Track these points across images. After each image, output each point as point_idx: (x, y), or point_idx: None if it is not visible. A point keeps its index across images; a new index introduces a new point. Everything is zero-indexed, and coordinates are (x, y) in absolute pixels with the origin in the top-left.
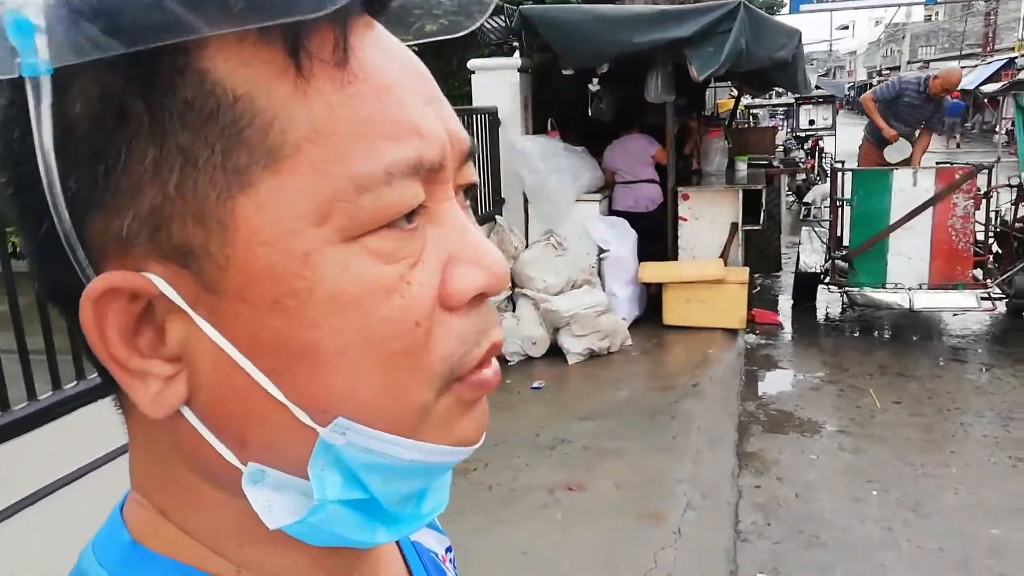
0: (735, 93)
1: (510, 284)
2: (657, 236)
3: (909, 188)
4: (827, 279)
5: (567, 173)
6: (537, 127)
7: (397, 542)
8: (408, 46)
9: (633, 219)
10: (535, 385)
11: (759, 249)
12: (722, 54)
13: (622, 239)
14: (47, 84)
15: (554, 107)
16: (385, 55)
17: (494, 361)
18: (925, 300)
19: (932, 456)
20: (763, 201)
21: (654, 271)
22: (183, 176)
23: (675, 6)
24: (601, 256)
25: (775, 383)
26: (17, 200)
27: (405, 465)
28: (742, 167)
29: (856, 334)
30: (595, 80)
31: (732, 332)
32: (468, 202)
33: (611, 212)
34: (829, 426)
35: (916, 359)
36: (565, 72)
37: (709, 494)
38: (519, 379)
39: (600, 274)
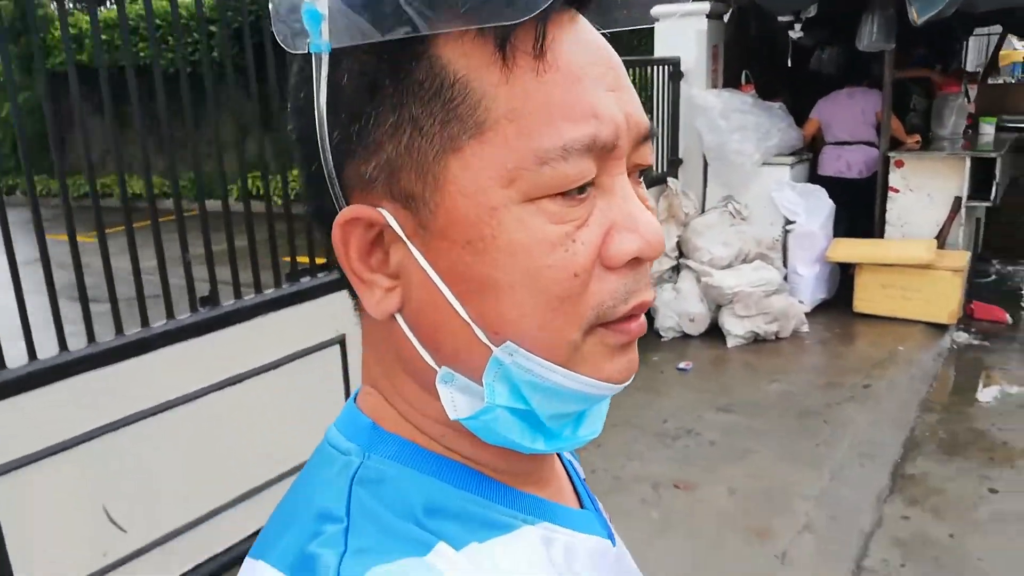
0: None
1: (677, 253)
2: (871, 208)
3: None
4: None
5: (753, 132)
6: (730, 80)
7: (561, 460)
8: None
9: (843, 186)
10: (681, 366)
11: (1007, 231)
12: None
13: (814, 210)
14: (326, 60)
15: (755, 58)
16: (580, 47)
17: (643, 318)
18: None
19: None
20: (996, 172)
21: (846, 249)
22: (411, 138)
23: None
24: (787, 228)
25: (975, 394)
26: (299, 145)
27: (561, 389)
28: (988, 130)
29: None
30: (797, 27)
31: (938, 327)
32: (642, 180)
33: (816, 177)
34: None
35: None
36: (771, 18)
37: (840, 517)
38: (668, 358)
39: (784, 248)
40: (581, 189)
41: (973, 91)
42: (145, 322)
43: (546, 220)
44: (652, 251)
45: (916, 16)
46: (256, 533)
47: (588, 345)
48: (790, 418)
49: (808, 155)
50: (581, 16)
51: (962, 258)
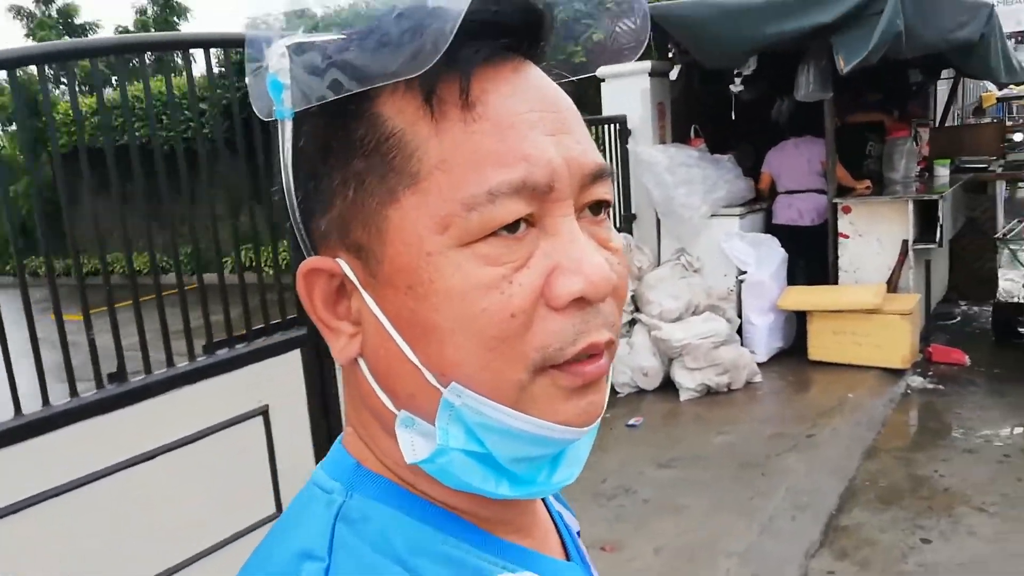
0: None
1: (632, 308)
2: (825, 255)
3: None
4: None
5: (700, 185)
6: (679, 135)
7: (548, 510)
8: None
9: (797, 234)
10: (631, 423)
11: (970, 270)
12: (872, 39)
13: (765, 260)
14: (289, 125)
15: (704, 113)
16: (517, 96)
17: (603, 360)
18: None
19: None
20: (940, 214)
21: (797, 297)
22: (356, 192)
23: None
24: (740, 279)
25: (923, 440)
26: (283, 205)
27: (512, 431)
28: (942, 172)
29: None
30: (737, 80)
31: (894, 372)
32: (604, 216)
33: (772, 226)
34: (970, 502)
35: None
36: (714, 74)
37: (762, 574)
38: (620, 414)
39: (739, 299)
40: (513, 228)
41: (926, 134)
42: (46, 400)
43: (482, 263)
44: (596, 291)
45: (843, 64)
46: None
47: (539, 387)
48: (730, 471)
49: (760, 205)
50: (530, 64)
51: (911, 301)
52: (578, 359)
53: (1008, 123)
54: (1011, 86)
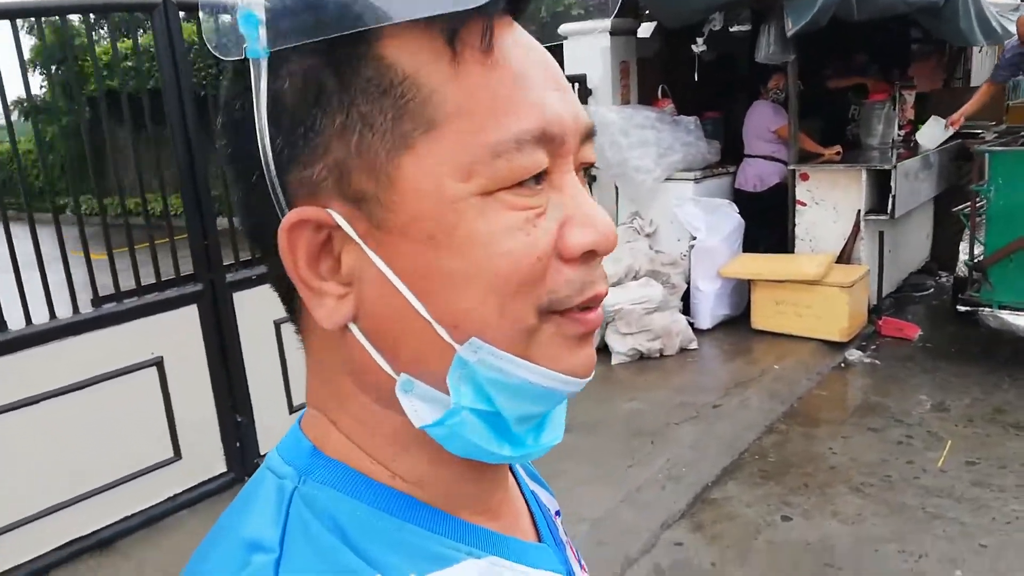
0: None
1: None
2: (780, 223)
3: None
4: (963, 292)
5: (654, 147)
6: (647, 96)
7: (522, 490)
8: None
9: (748, 200)
10: None
11: (953, 241)
12: (817, 1)
13: (717, 226)
14: (264, 66)
15: (674, 74)
16: (522, 49)
17: (600, 309)
18: None
19: (969, 554)
20: (893, 185)
21: (741, 265)
22: (362, 137)
23: None
24: (692, 244)
25: (831, 416)
26: (233, 161)
27: (526, 385)
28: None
29: (997, 362)
30: (699, 40)
31: (836, 345)
32: (587, 178)
33: (735, 192)
34: (850, 483)
35: None
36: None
37: (610, 543)
38: None
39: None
40: (537, 179)
41: (911, 97)
42: None
43: (505, 209)
44: (608, 244)
45: (791, 26)
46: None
47: (545, 334)
48: (621, 438)
49: (725, 169)
50: (517, 24)
51: (854, 273)
52: (581, 308)
53: None
54: None
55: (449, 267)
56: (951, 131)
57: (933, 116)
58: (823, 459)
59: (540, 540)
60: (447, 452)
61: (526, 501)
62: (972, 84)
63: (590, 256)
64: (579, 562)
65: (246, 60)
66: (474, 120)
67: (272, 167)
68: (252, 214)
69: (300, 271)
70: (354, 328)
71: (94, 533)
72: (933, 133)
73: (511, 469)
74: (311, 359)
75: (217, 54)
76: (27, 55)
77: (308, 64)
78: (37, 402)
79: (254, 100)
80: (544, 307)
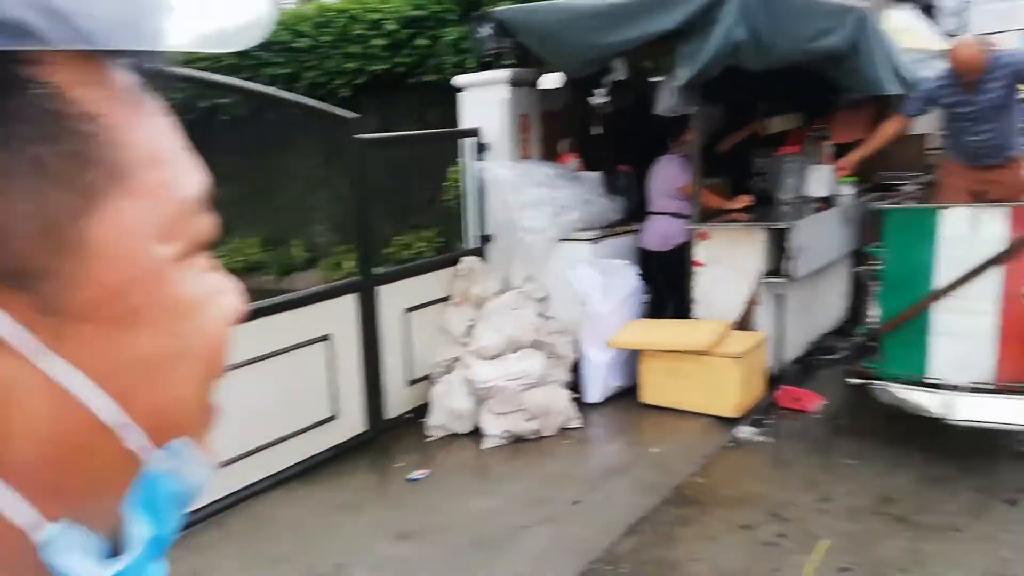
0: None
1: (467, 341)
2: (680, 285)
3: (966, 236)
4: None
5: (549, 206)
6: (550, 151)
7: None
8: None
9: (650, 260)
10: (413, 476)
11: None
12: (707, 50)
13: (612, 289)
14: None
15: (576, 127)
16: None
17: None
18: (977, 409)
19: None
20: (789, 247)
21: (630, 333)
22: (31, 191)
23: None
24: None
25: (702, 513)
26: None
27: (197, 486)
28: (846, 191)
29: (893, 439)
30: (599, 92)
31: (729, 421)
32: None
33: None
34: None
35: (949, 493)
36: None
37: None
38: (413, 462)
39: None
40: None
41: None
42: None
43: (202, 272)
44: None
45: (679, 77)
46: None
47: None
48: (463, 547)
49: (624, 228)
50: None
51: (749, 341)
52: None
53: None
54: None
55: (158, 347)
56: (842, 177)
57: (824, 163)
58: (680, 568)
59: None
60: None
61: None
62: (914, 132)
63: None
64: None
65: None
66: (165, 171)
67: None
68: None
69: None
70: None
71: (288, 468)
72: (822, 181)
73: None
74: None
75: None
76: None
77: None
78: (243, 367)
79: None
80: None
